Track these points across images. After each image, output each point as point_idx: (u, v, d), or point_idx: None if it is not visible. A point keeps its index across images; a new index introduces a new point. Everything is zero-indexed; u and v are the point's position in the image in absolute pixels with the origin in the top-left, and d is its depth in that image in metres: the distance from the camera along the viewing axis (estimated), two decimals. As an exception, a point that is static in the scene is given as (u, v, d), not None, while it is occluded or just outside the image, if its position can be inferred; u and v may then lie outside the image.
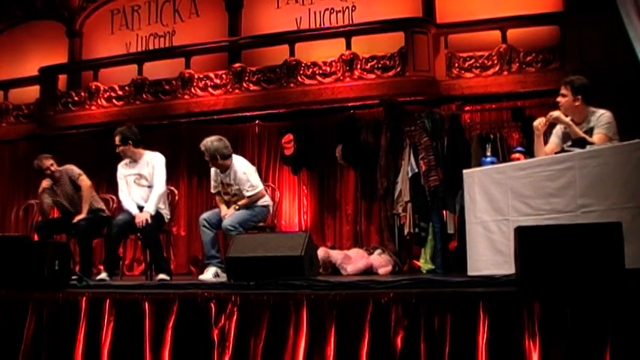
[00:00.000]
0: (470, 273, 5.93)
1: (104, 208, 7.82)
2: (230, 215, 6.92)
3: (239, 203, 7.06)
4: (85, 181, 7.61)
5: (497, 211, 5.86)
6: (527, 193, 5.62)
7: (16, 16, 13.11)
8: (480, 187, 6.04)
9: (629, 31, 7.22)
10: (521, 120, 8.94)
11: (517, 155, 6.26)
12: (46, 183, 7.73)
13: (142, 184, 7.22)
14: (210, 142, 7.05)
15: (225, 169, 7.14)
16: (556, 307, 3.36)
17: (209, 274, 6.64)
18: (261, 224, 7.23)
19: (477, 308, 3.49)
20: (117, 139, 7.26)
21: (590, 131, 5.65)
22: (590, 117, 5.71)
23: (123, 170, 7.32)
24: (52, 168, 7.65)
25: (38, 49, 12.66)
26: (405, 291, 3.82)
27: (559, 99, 5.91)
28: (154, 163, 7.26)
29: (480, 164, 7.01)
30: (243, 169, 7.07)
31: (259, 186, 7.07)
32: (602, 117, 5.64)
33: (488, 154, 7.62)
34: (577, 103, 5.74)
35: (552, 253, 3.50)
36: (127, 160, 7.32)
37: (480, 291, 3.67)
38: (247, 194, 7.03)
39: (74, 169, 7.74)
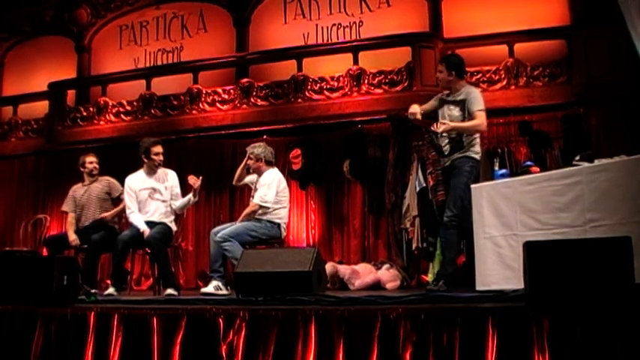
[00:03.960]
0: (478, 288, 5.90)
1: (117, 227, 7.79)
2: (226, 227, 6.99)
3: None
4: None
5: (505, 225, 5.84)
6: (535, 207, 5.61)
7: (26, 32, 13.20)
8: (488, 202, 6.03)
9: (636, 45, 7.20)
10: (529, 134, 8.94)
11: (536, 168, 6.30)
12: (72, 191, 7.76)
13: (156, 197, 7.24)
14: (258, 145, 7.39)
15: (260, 172, 7.25)
16: (565, 322, 3.34)
17: (210, 288, 6.64)
18: (272, 240, 7.17)
19: (486, 323, 3.48)
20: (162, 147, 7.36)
21: (461, 102, 6.14)
22: (461, 90, 6.23)
23: (134, 184, 7.28)
24: (95, 165, 7.77)
25: (47, 65, 12.74)
26: (414, 306, 3.81)
27: (437, 75, 6.53)
28: (169, 179, 7.35)
29: (490, 178, 7.00)
30: (268, 180, 7.07)
31: (265, 202, 7.00)
32: (472, 94, 6.16)
33: (496, 168, 7.61)
34: (451, 78, 6.26)
35: (561, 267, 3.49)
36: (143, 172, 7.32)
37: (489, 306, 3.66)
38: (253, 201, 7.07)
39: (118, 185, 7.73)
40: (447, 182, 6.28)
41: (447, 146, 6.19)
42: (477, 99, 6.09)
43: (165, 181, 7.33)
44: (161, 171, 7.34)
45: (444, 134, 6.15)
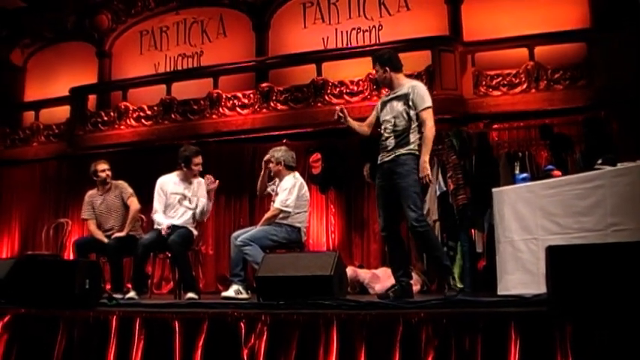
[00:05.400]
0: (500, 292, 5.89)
1: (141, 232, 7.79)
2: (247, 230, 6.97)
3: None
4: (134, 204, 7.60)
5: (525, 230, 5.82)
6: (556, 211, 5.58)
7: (47, 38, 13.36)
8: (509, 206, 6.01)
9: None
10: (550, 138, 8.90)
11: (557, 172, 6.25)
12: (88, 197, 7.76)
13: (185, 204, 7.24)
14: (279, 149, 7.28)
15: (280, 177, 7.18)
16: (588, 327, 3.32)
17: (231, 292, 6.64)
18: (292, 245, 7.15)
19: (508, 328, 3.46)
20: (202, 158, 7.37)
21: (404, 96, 5.79)
22: (402, 83, 5.92)
23: (166, 186, 7.30)
24: (107, 173, 7.67)
25: (68, 70, 12.87)
26: (436, 311, 3.80)
27: (375, 76, 6.39)
28: (200, 189, 7.35)
29: (510, 182, 6.97)
30: (289, 184, 7.05)
31: (286, 207, 6.98)
32: (418, 88, 5.82)
33: (517, 172, 7.57)
34: (387, 75, 5.93)
35: (584, 272, 3.47)
36: (177, 177, 7.33)
37: (511, 311, 3.64)
38: (274, 205, 7.05)
39: (127, 187, 7.73)
40: (389, 181, 5.77)
41: (392, 140, 5.78)
42: (423, 95, 5.76)
43: (197, 191, 7.32)
44: (196, 180, 7.33)
45: (388, 129, 5.83)
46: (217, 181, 7.26)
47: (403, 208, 5.64)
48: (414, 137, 5.72)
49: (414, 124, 5.73)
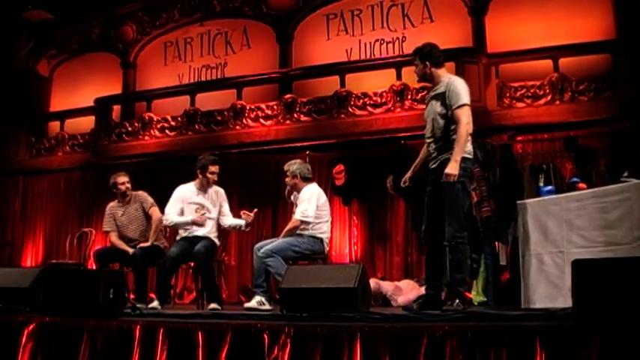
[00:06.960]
0: (523, 306, 5.84)
1: (165, 242, 7.82)
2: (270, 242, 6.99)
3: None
4: (156, 213, 7.63)
5: (551, 243, 5.77)
6: (582, 224, 5.53)
7: (73, 49, 13.52)
8: (533, 219, 5.96)
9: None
10: (575, 150, 8.84)
11: (583, 184, 6.19)
12: (109, 209, 7.80)
13: (206, 215, 7.28)
14: (294, 162, 7.32)
15: (298, 189, 7.20)
16: (615, 341, 3.28)
17: (253, 303, 6.64)
18: (315, 256, 7.13)
19: (534, 342, 3.43)
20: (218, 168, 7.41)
21: (442, 95, 5.52)
22: (442, 80, 5.63)
23: (185, 195, 7.34)
24: (127, 185, 7.71)
25: (93, 81, 13.00)
26: (460, 324, 3.77)
27: (414, 70, 5.94)
28: (220, 199, 7.41)
29: (535, 194, 6.91)
30: (308, 195, 7.05)
31: (306, 217, 6.96)
32: (453, 85, 5.51)
33: (541, 184, 7.51)
34: (427, 70, 5.70)
35: (610, 286, 3.43)
36: (195, 186, 7.37)
37: (537, 325, 3.61)
38: (294, 217, 7.05)
39: (148, 197, 7.78)
40: (437, 187, 5.46)
41: (433, 145, 5.56)
42: (458, 91, 5.41)
43: (215, 200, 7.36)
44: (211, 189, 7.38)
45: (428, 131, 5.61)
46: (254, 211, 7.32)
47: (444, 219, 5.40)
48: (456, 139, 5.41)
49: (454, 125, 5.42)
